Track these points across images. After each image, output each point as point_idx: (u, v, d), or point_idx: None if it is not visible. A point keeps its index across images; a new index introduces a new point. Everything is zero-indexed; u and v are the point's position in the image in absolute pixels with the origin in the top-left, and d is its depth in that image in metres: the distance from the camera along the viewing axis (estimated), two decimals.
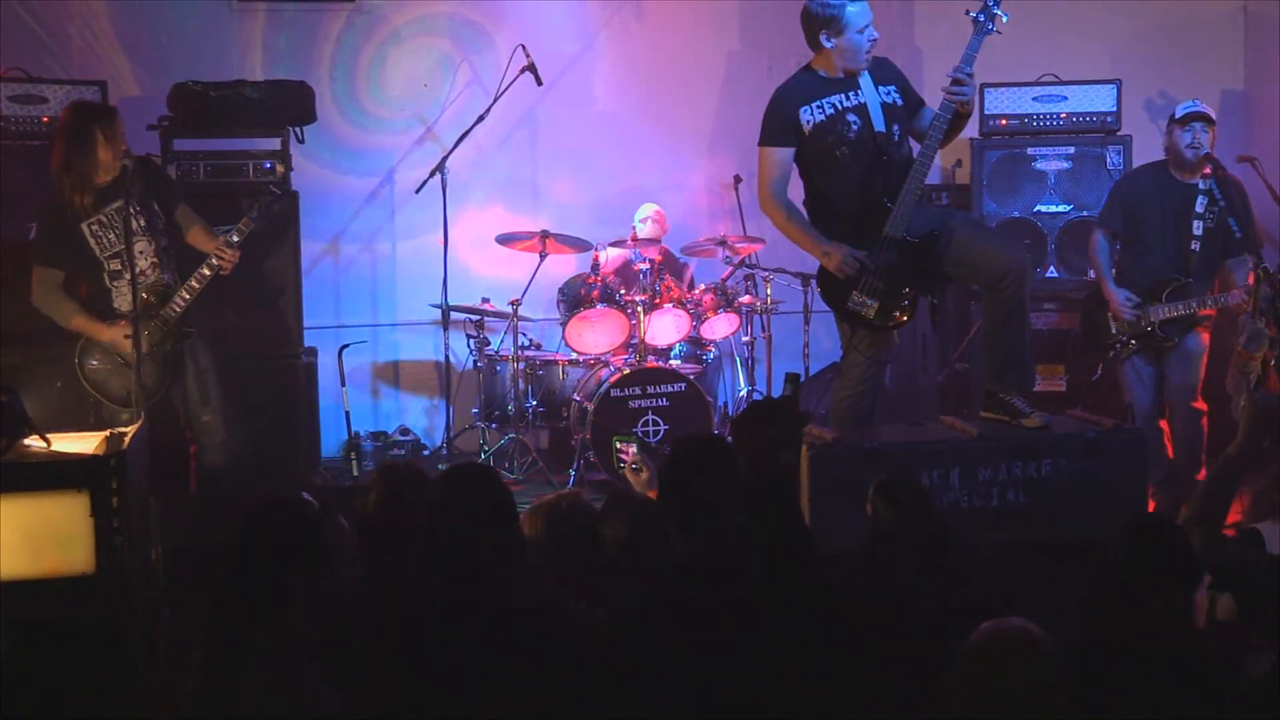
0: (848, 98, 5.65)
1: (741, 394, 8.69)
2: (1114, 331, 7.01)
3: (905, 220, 5.55)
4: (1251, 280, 6.56)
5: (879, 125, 5.64)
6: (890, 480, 4.35)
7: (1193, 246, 6.92)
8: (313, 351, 7.84)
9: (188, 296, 6.26)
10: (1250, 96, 9.63)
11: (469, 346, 8.48)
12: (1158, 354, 6.96)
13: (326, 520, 3.33)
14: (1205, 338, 7.02)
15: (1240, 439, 3.85)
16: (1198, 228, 6.93)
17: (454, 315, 8.18)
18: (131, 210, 6.09)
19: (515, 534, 3.72)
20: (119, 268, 6.18)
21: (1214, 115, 7.04)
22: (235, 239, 6.26)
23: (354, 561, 3.95)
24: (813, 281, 6.83)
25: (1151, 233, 6.96)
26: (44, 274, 6.23)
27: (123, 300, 6.21)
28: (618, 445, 5.20)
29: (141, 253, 6.21)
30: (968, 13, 5.57)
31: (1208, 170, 6.88)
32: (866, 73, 5.69)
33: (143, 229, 6.23)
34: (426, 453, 8.74)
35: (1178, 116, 6.94)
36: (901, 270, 5.60)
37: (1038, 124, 8.53)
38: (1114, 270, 7.10)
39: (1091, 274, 7.41)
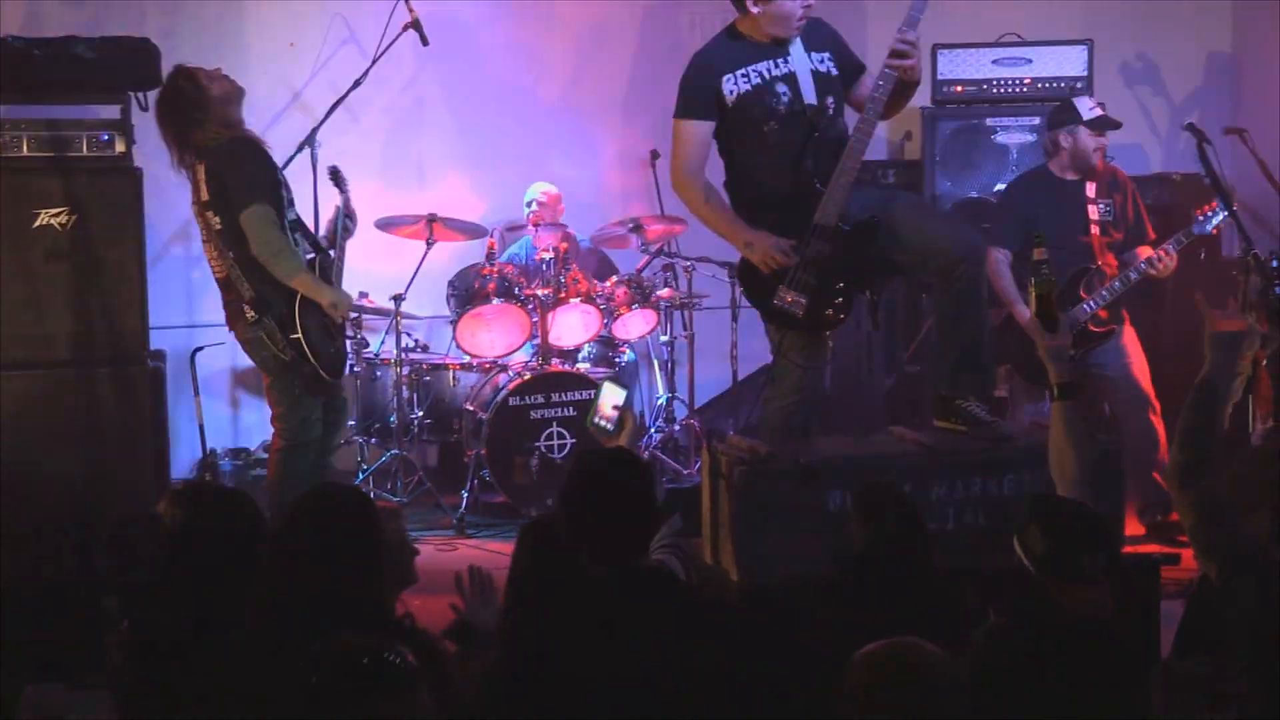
0: (776, 65, 5.65)
1: (660, 401, 8.69)
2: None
3: (839, 204, 5.55)
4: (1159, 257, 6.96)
5: (810, 97, 5.64)
6: (873, 490, 4.37)
7: (1093, 231, 7.18)
8: (160, 355, 7.71)
9: None
10: (1239, 60, 9.77)
11: (345, 349, 8.41)
12: (1095, 352, 7.17)
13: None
14: (1131, 330, 7.30)
15: (1209, 362, 4.05)
16: (1094, 214, 7.19)
17: None
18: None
19: (376, 567, 3.77)
20: (295, 218, 6.59)
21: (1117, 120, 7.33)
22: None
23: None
24: None
25: (1049, 236, 7.05)
26: (265, 212, 6.37)
27: None
28: (602, 393, 4.93)
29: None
30: None
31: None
32: (798, 37, 5.70)
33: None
34: None
35: (1087, 119, 7.13)
36: (835, 262, 5.59)
37: (998, 91, 8.60)
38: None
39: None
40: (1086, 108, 7.17)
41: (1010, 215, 7.24)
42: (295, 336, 6.48)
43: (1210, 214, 6.99)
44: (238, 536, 3.98)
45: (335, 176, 7.03)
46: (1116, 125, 7.28)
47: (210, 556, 3.89)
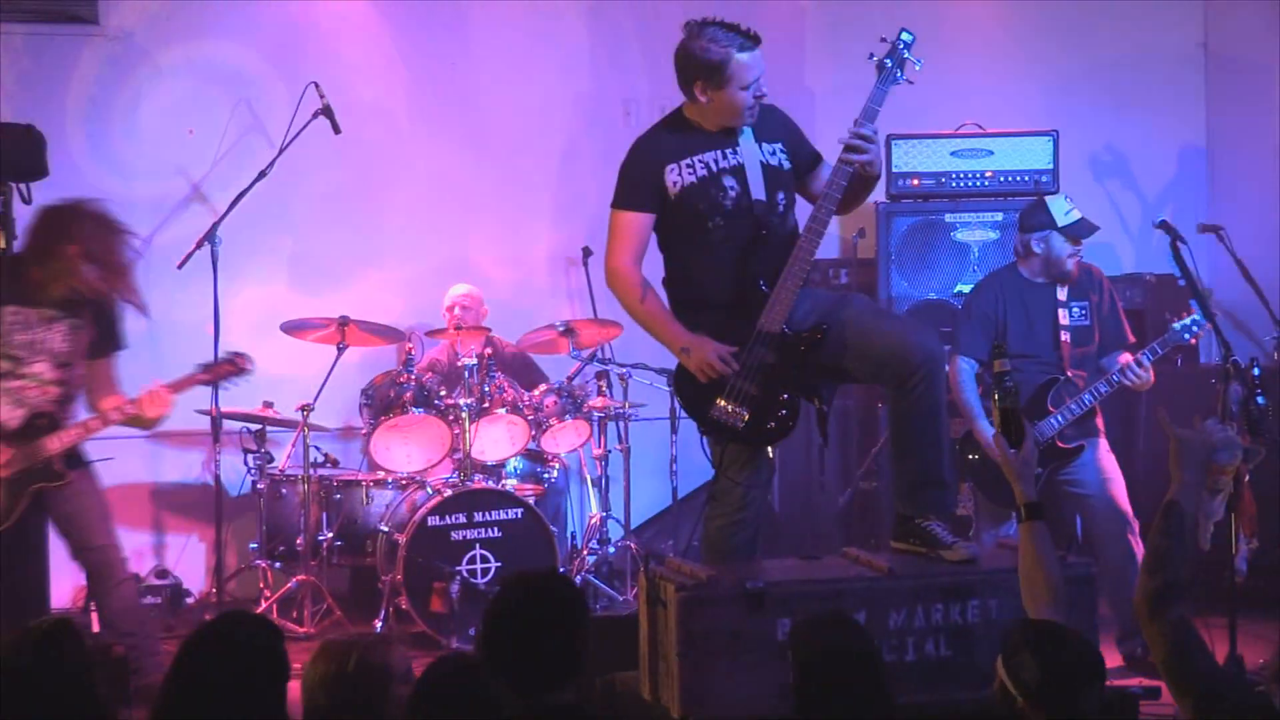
0: (724, 156, 5.67)
1: (594, 520, 8.66)
2: None
3: (785, 308, 5.57)
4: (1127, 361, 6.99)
5: (759, 192, 5.66)
6: (814, 622, 4.33)
7: (1064, 338, 7.20)
8: None
9: (74, 436, 6.58)
10: (1213, 153, 9.92)
11: (247, 464, 8.36)
12: (1064, 470, 7.18)
13: None
14: (1105, 443, 7.25)
15: (1175, 481, 4.10)
16: (1065, 319, 7.22)
17: (227, 424, 8.08)
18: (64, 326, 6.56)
19: (281, 703, 3.74)
20: (8, 368, 6.49)
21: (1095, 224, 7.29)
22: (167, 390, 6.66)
23: None
24: None
25: (1017, 344, 7.14)
26: None
27: None
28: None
29: (40, 373, 6.54)
30: (871, 57, 5.62)
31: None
32: (749, 126, 5.74)
33: (60, 354, 6.56)
34: (190, 600, 8.57)
35: (1062, 225, 7.12)
36: (780, 371, 5.59)
37: (957, 184, 8.71)
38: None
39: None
40: (1062, 211, 7.15)
41: (975, 322, 7.25)
42: None
43: (1188, 320, 7.03)
44: (63, 679, 3.91)
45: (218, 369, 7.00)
46: (1094, 230, 7.26)
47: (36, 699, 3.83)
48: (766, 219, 5.66)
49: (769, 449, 5.86)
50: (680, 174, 5.65)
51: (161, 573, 8.67)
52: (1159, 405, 4.55)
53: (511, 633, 3.89)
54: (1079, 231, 7.15)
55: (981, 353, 7.11)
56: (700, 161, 5.66)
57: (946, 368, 7.06)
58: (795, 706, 4.12)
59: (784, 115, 5.88)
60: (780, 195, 5.71)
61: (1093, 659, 3.70)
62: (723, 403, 5.62)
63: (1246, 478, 6.38)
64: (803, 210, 5.77)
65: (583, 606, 4.15)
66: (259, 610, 7.86)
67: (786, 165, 5.76)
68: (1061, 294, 7.21)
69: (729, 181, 5.64)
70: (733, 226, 5.65)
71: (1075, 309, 7.20)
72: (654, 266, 5.83)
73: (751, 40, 5.57)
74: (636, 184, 5.72)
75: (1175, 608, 3.84)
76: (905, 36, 5.64)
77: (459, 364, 8.33)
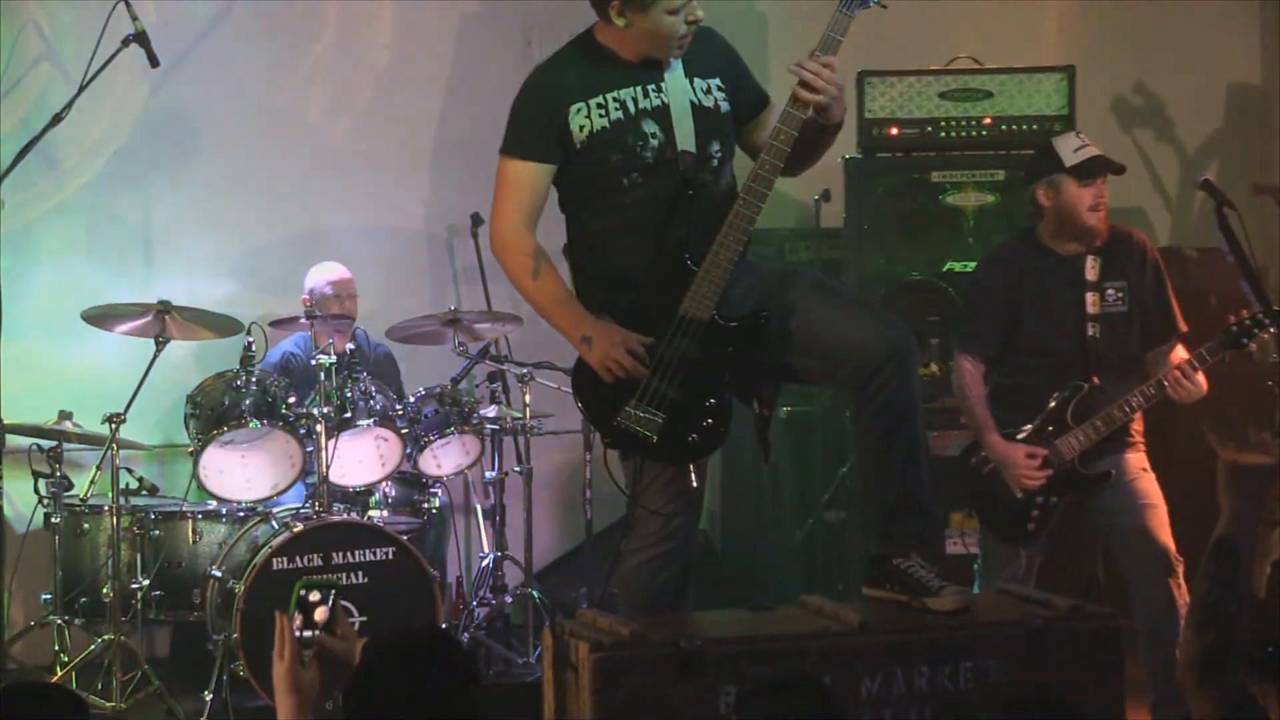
0: (645, 94, 5.66)
1: (486, 562, 8.65)
2: (1019, 496, 7.08)
3: (716, 289, 5.54)
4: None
5: (687, 141, 5.65)
6: (767, 688, 4.32)
7: (1090, 333, 7.13)
8: None
9: None
10: (1271, 93, 9.98)
11: (38, 491, 8.29)
12: (1088, 497, 7.15)
13: None
14: (1142, 457, 7.22)
15: (1226, 511, 4.12)
16: (1094, 304, 7.15)
17: (11, 440, 8.03)
18: None
19: None
20: None
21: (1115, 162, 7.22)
22: None
23: None
24: None
25: (1033, 334, 7.16)
26: None
27: None
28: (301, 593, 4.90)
29: None
30: None
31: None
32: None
33: None
34: None
35: (1069, 165, 7.05)
36: (706, 368, 5.57)
37: (947, 134, 8.73)
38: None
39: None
40: (1070, 149, 7.08)
41: (984, 308, 7.24)
42: None
43: (1249, 322, 6.95)
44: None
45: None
46: (1115, 169, 7.17)
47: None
48: (696, 175, 5.63)
49: (693, 468, 5.86)
50: (589, 115, 5.62)
51: None
52: (1204, 414, 4.53)
53: (383, 711, 3.89)
54: (1089, 170, 7.05)
55: (988, 348, 7.10)
56: (615, 100, 5.62)
57: (931, 365, 7.11)
58: None
59: (724, 43, 5.85)
60: (715, 145, 5.69)
61: None
62: (633, 407, 5.59)
63: None
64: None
65: (474, 672, 4.15)
66: (54, 680, 7.80)
67: (724, 107, 5.73)
68: (1091, 270, 7.10)
69: (650, 127, 5.62)
70: (653, 184, 5.63)
71: (1109, 291, 7.10)
72: (553, 232, 5.82)
73: None
74: (532, 127, 5.68)
75: (1230, 673, 3.86)
76: None
77: (314, 364, 8.30)
